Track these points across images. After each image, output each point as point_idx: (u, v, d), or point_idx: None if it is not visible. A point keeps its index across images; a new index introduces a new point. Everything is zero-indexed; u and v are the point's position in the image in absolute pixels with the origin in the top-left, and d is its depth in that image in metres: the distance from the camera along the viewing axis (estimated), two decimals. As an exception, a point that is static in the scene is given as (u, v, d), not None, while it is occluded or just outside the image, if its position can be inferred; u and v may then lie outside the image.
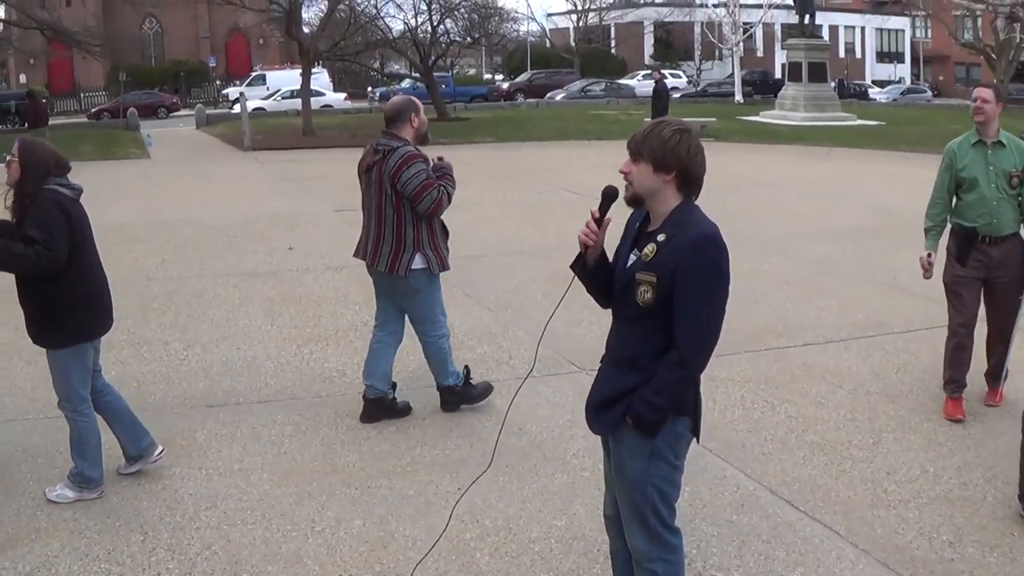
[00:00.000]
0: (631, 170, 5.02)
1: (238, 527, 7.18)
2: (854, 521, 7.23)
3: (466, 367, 9.36)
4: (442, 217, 8.89)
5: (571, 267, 5.30)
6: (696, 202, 5.06)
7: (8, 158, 7.22)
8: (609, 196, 5.15)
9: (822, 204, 20.85)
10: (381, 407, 9.09)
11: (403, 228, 8.73)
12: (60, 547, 6.88)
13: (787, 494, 7.62)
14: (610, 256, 5.26)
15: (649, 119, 22.62)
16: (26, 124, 38.49)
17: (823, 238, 17.03)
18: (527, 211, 19.73)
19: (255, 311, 12.71)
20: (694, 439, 5.26)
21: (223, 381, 10.13)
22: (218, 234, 17.98)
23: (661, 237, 4.96)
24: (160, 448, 8.02)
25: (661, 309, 4.93)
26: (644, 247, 5.03)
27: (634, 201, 5.09)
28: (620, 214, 5.14)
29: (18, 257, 7.00)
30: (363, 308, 12.56)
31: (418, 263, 8.75)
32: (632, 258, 5.11)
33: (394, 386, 9.22)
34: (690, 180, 4.98)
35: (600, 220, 5.13)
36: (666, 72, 58.93)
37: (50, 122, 40.21)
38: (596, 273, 5.27)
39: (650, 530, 5.26)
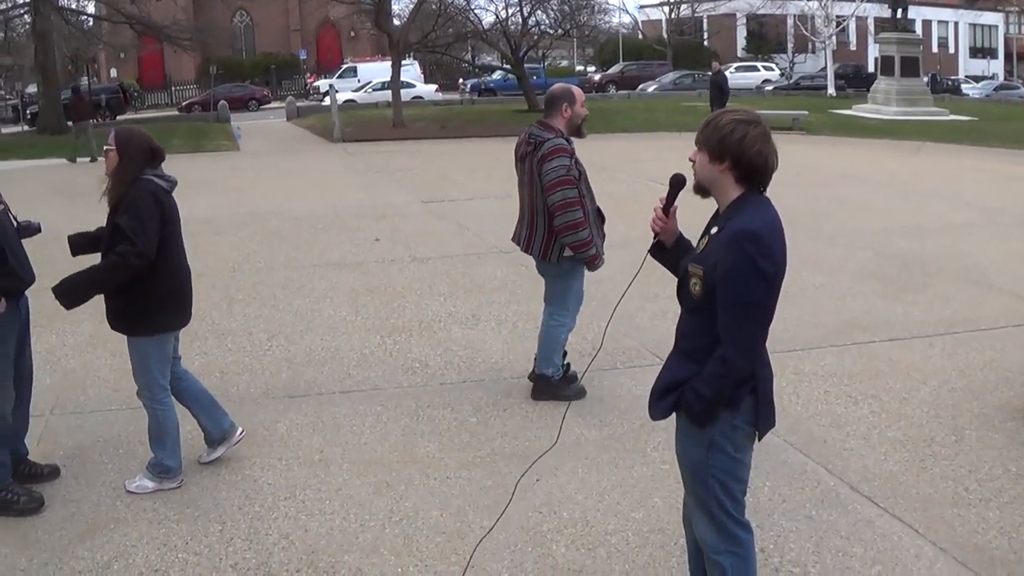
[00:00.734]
0: (696, 159, 5.02)
1: (316, 517, 7.24)
2: (934, 519, 7.16)
3: (568, 364, 9.42)
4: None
5: (648, 251, 5.32)
6: (766, 195, 5.01)
7: (105, 148, 7.33)
8: (676, 184, 5.19)
9: (911, 199, 20.64)
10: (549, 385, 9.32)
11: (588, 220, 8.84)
12: (138, 536, 6.96)
13: (867, 490, 7.56)
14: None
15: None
16: (69, 121, 38.43)
17: (912, 233, 16.85)
18: (616, 203, 19.63)
19: (340, 302, 12.78)
20: (757, 435, 5.22)
21: (306, 372, 10.20)
22: (304, 225, 18.11)
23: (714, 230, 4.97)
24: (241, 430, 8.13)
25: (710, 302, 4.93)
26: (703, 239, 5.05)
27: (699, 190, 5.09)
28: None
29: (112, 270, 7.16)
30: (448, 299, 12.64)
31: (569, 251, 8.82)
32: (696, 249, 5.13)
33: (567, 367, 9.41)
34: (748, 171, 4.92)
35: (667, 208, 5.15)
36: (728, 64, 58.24)
37: (133, 115, 40.48)
38: (675, 260, 5.30)
39: (716, 522, 5.26)
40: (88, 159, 31.01)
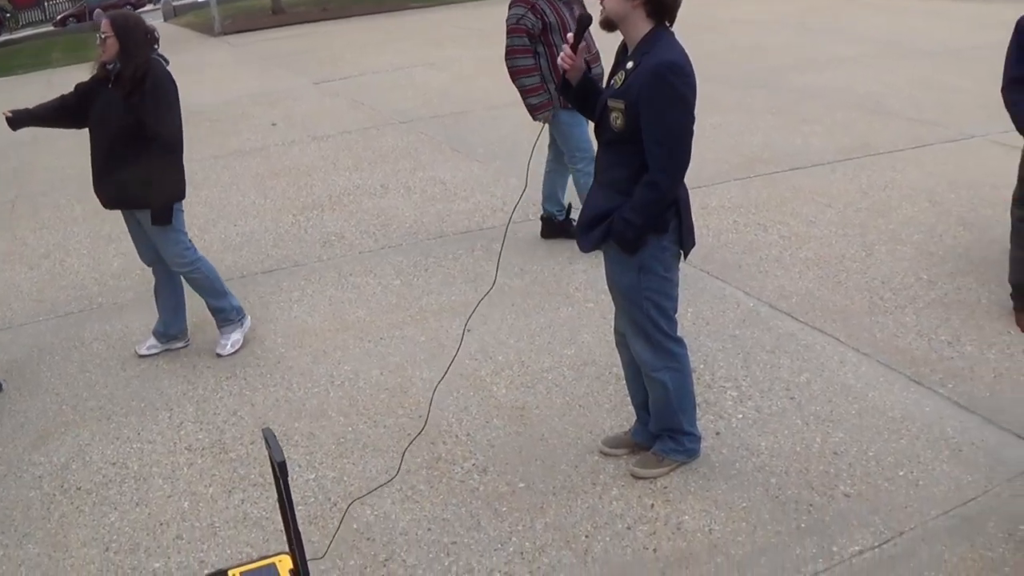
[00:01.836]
0: None
1: (260, 391, 7.38)
2: (853, 328, 7.44)
3: (570, 205, 9.71)
4: None
5: (558, 91, 5.47)
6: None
7: (103, 36, 7.34)
8: (583, 22, 5.31)
9: (804, 38, 20.79)
10: (551, 226, 9.69)
11: (541, 70, 9.06)
12: (91, 435, 7.05)
13: (786, 307, 7.83)
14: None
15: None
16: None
17: (806, 69, 17.03)
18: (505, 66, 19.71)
19: (246, 188, 12.78)
20: (682, 254, 5.45)
21: (225, 257, 10.26)
22: (200, 120, 17.89)
23: (630, 64, 5.11)
24: (187, 343, 8.35)
25: (634, 134, 5.09)
26: (617, 74, 5.21)
27: (607, 25, 5.23)
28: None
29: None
30: (353, 173, 12.69)
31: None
32: (610, 84, 5.28)
33: (568, 209, 9.69)
34: (658, 5, 5.06)
35: (575, 45, 5.29)
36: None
37: (9, 36, 39.54)
38: (584, 97, 5.46)
39: (652, 341, 5.50)
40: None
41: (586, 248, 5.46)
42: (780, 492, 5.59)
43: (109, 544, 5.77)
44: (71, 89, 7.62)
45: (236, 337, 8.08)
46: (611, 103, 5.14)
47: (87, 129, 7.62)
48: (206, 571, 5.32)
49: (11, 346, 8.70)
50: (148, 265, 8.15)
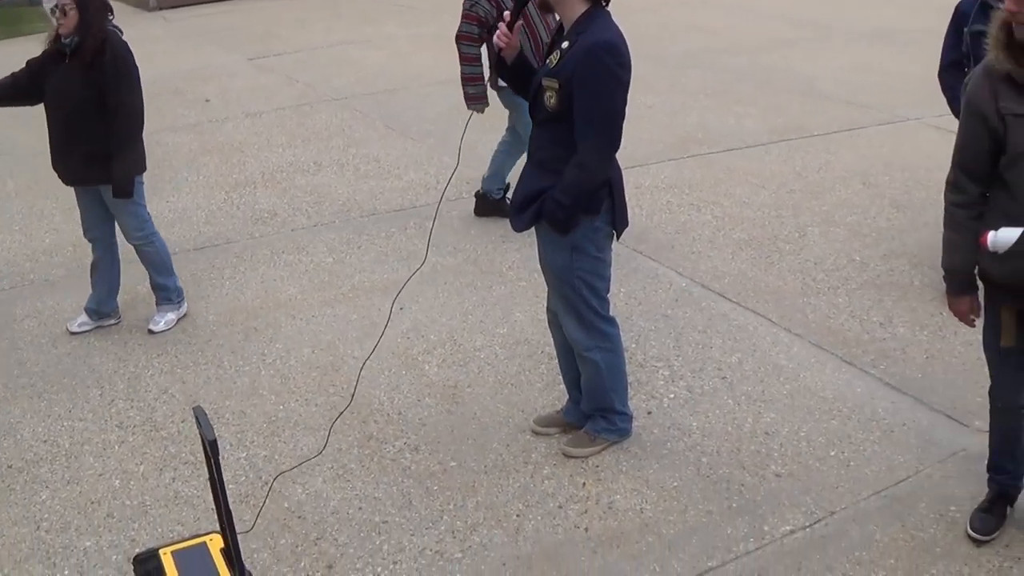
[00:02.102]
0: None
1: (191, 369, 7.32)
2: (786, 308, 7.49)
3: (508, 184, 9.66)
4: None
5: (493, 70, 5.45)
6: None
7: (62, 5, 7.21)
8: (520, 1, 5.28)
9: (736, 19, 20.84)
10: (485, 204, 9.73)
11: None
12: (21, 413, 6.97)
13: (719, 287, 7.87)
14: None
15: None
16: None
17: (741, 51, 17.05)
18: (442, 43, 19.53)
19: (179, 164, 12.62)
20: (615, 234, 5.46)
21: (157, 234, 10.14)
22: (133, 95, 17.76)
23: (565, 44, 5.11)
24: (120, 318, 8.27)
25: (567, 113, 5.08)
26: (552, 53, 5.20)
27: (543, 6, 5.22)
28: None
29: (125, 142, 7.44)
30: (287, 150, 12.60)
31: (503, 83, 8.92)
32: (545, 63, 5.26)
33: (507, 188, 9.61)
34: None
35: (512, 24, 5.26)
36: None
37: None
38: (519, 76, 5.44)
39: (584, 320, 5.51)
40: None
41: (519, 228, 5.46)
42: (712, 472, 5.62)
43: (40, 523, 5.72)
44: (11, 65, 7.55)
45: (171, 316, 8.04)
46: (545, 82, 5.13)
47: (42, 105, 7.58)
48: (137, 549, 5.27)
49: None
50: (90, 240, 8.06)
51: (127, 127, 7.44)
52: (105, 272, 8.12)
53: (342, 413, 6.16)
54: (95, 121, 7.33)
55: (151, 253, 7.96)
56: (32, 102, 7.63)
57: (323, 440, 6.14)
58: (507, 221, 5.73)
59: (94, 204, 7.86)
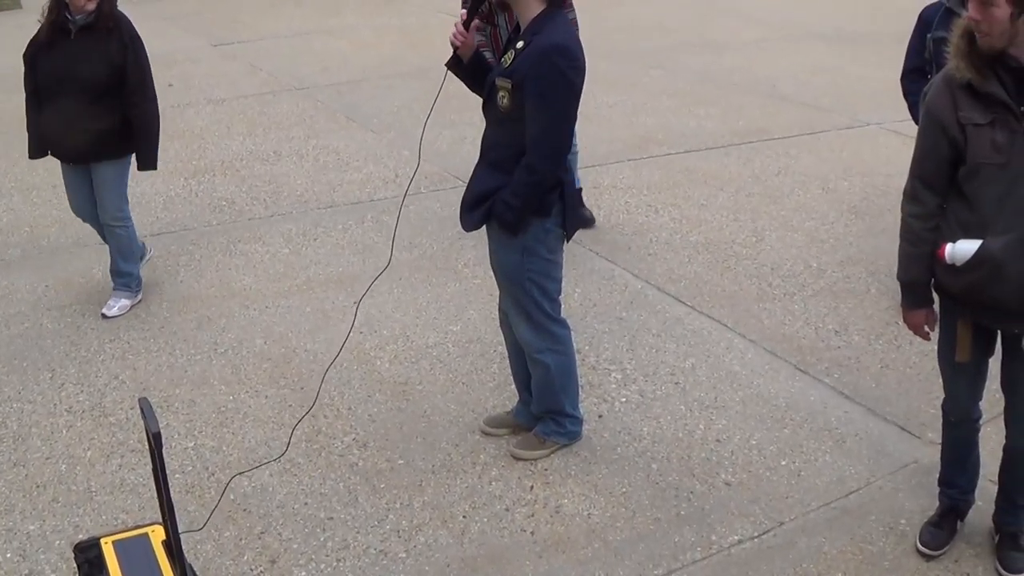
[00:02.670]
0: None
1: (142, 355, 7.28)
2: (741, 314, 7.50)
3: None
4: None
5: (446, 65, 5.42)
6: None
7: None
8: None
9: (704, 18, 20.87)
10: None
11: None
12: (-33, 394, 6.95)
13: (674, 291, 7.87)
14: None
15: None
16: None
17: (703, 50, 17.07)
18: (404, 34, 19.55)
19: (139, 148, 12.57)
20: (566, 235, 5.45)
21: (113, 218, 10.07)
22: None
23: (520, 44, 5.10)
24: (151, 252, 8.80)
25: (519, 114, 5.08)
26: (507, 53, 5.18)
27: (501, 5, 5.21)
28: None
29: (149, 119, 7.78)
30: (247, 138, 12.53)
31: None
32: (499, 64, 5.25)
33: None
34: None
35: (468, 23, 5.24)
36: None
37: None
38: (474, 74, 5.41)
39: (534, 322, 5.51)
40: None
41: (468, 227, 5.47)
42: (661, 478, 5.63)
43: (-16, 504, 5.69)
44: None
45: (125, 303, 8.00)
46: (498, 82, 5.13)
47: (40, 88, 7.63)
48: (81, 536, 5.24)
49: None
50: (84, 219, 8.21)
51: (152, 102, 7.70)
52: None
53: (303, 418, 6.11)
54: (109, 98, 7.44)
55: (123, 236, 7.99)
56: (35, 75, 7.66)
57: (271, 433, 6.17)
58: (447, 219, 5.70)
59: (86, 183, 7.89)
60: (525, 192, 5.11)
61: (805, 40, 17.74)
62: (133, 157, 7.82)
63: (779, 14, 20.20)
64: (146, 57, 7.61)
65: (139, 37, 7.57)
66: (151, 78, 7.67)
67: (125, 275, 8.07)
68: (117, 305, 7.99)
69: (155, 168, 7.82)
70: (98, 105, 7.42)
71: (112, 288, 8.09)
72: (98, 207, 7.93)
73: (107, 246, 8.00)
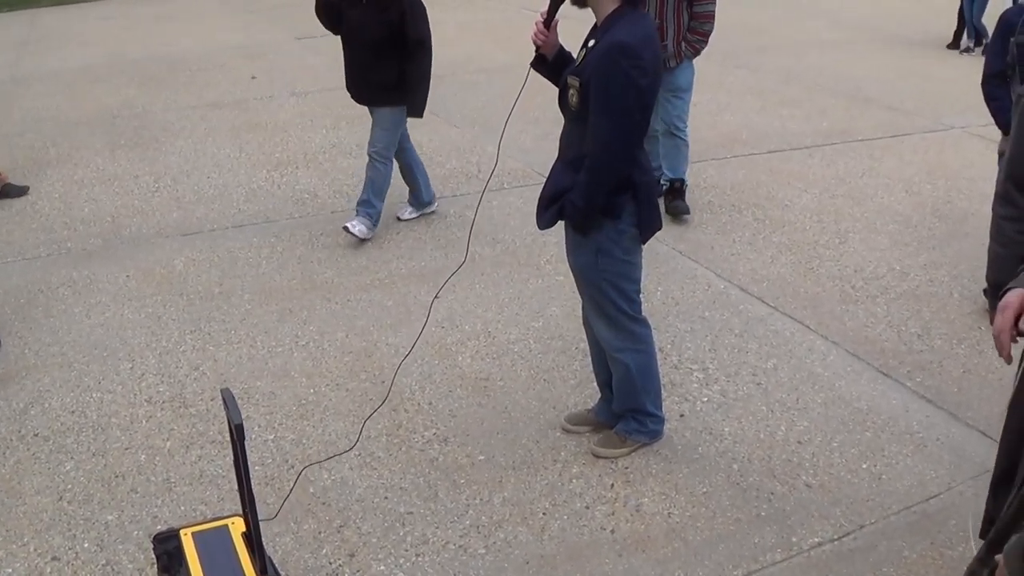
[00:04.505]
0: None
1: (223, 347, 7.31)
2: (823, 316, 7.43)
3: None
4: None
5: (530, 64, 5.39)
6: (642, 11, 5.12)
7: None
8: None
9: (783, 18, 20.78)
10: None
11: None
12: (51, 381, 6.98)
13: (757, 291, 7.81)
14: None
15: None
16: None
17: (788, 51, 17.00)
18: (489, 30, 19.58)
19: (222, 140, 12.66)
20: (641, 238, 5.37)
21: (196, 209, 10.16)
22: (180, 69, 17.76)
23: (592, 43, 5.05)
24: (437, 204, 9.86)
25: (587, 113, 5.03)
26: (581, 51, 5.14)
27: (578, 0, 5.16)
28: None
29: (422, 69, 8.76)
30: (330, 132, 12.61)
31: None
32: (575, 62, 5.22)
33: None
34: None
35: (548, 21, 5.20)
36: None
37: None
38: (558, 73, 5.37)
39: (612, 322, 5.46)
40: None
41: (541, 226, 5.43)
42: (742, 479, 5.57)
43: (63, 493, 5.72)
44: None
45: (363, 228, 9.00)
46: (569, 81, 5.09)
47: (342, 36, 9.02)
48: (159, 527, 5.28)
49: (-28, 288, 8.58)
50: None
51: (426, 61, 8.66)
52: (414, 170, 9.44)
53: (377, 409, 6.13)
54: (388, 57, 8.64)
55: (380, 171, 8.97)
56: (336, 32, 9.00)
57: (351, 426, 6.14)
58: (530, 215, 5.66)
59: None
60: (587, 192, 5.07)
61: (890, 43, 17.61)
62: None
63: (863, 17, 20.07)
64: (425, 21, 8.66)
65: (420, 2, 8.66)
66: (429, 40, 8.64)
67: (370, 206, 9.02)
68: (357, 227, 8.95)
69: (420, 116, 8.88)
70: (380, 62, 8.66)
71: (355, 213, 9.06)
72: (369, 139, 9.05)
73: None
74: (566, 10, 5.13)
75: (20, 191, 10.89)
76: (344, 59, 9.07)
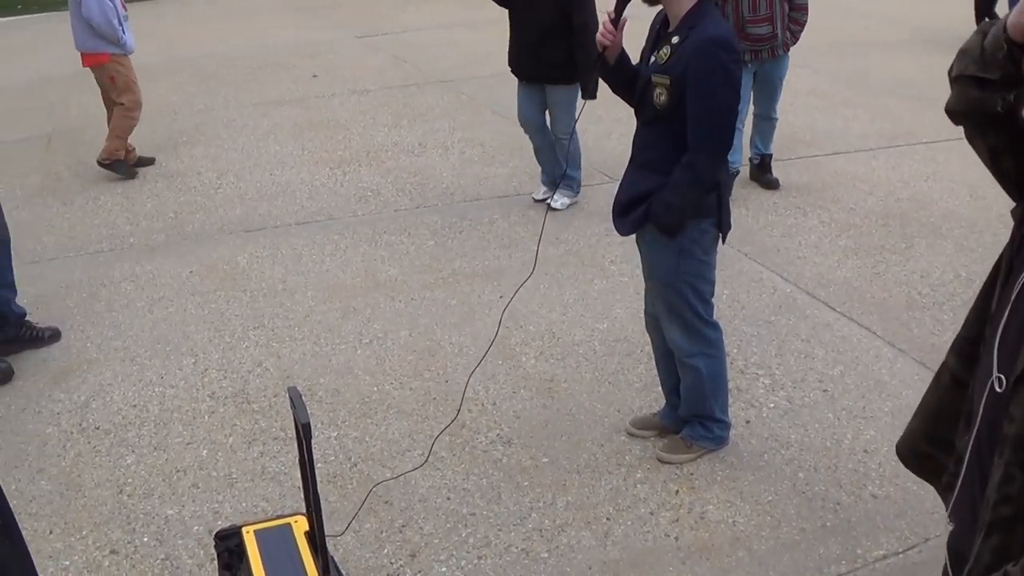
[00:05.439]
0: None
1: (287, 344, 7.33)
2: (890, 322, 7.34)
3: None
4: None
5: (593, 67, 5.34)
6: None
7: None
8: None
9: (838, 19, 20.61)
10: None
11: None
12: (113, 375, 7.04)
13: (824, 296, 7.73)
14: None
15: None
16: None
17: (845, 51, 16.87)
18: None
19: (284, 138, 12.69)
20: (721, 236, 5.33)
21: (259, 206, 10.20)
22: (239, 66, 17.81)
23: (675, 39, 4.95)
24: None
25: (676, 112, 4.95)
26: (661, 49, 5.05)
27: (650, 1, 5.09)
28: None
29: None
30: (392, 129, 12.61)
31: None
32: (652, 60, 5.13)
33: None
34: None
35: (616, 20, 5.11)
36: None
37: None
38: (619, 74, 5.29)
39: (688, 325, 5.40)
40: None
41: (624, 232, 5.36)
42: (807, 488, 5.52)
43: (123, 487, 5.77)
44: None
45: (566, 200, 9.65)
46: (656, 79, 5.00)
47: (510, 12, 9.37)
48: (220, 522, 5.30)
49: (39, 280, 8.65)
50: (523, 124, 9.71)
51: (592, 43, 8.31)
52: (547, 151, 9.70)
53: (446, 428, 6.06)
54: (557, 37, 8.95)
55: (569, 147, 9.53)
56: (506, 6, 9.34)
57: (414, 426, 6.18)
58: (610, 213, 5.59)
59: (535, 97, 9.44)
60: (686, 192, 5.00)
61: (948, 43, 17.42)
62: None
63: (917, 17, 19.86)
64: (592, 5, 8.89)
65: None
66: (595, 23, 8.64)
67: (570, 178, 9.64)
68: (560, 201, 9.56)
69: (594, 98, 8.58)
70: (550, 41, 8.99)
71: (558, 188, 9.53)
72: (550, 122, 9.52)
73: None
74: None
75: (149, 161, 11.74)
76: (511, 36, 9.41)
